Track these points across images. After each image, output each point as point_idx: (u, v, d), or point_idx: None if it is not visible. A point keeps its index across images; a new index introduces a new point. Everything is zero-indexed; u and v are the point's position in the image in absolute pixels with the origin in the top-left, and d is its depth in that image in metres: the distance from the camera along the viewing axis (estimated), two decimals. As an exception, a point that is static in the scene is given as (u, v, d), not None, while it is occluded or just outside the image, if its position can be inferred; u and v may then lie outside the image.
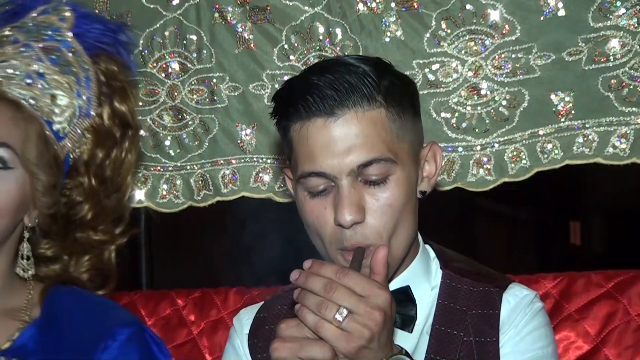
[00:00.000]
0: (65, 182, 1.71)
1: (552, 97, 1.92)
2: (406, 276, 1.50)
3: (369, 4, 1.98)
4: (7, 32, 1.70)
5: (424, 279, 1.52)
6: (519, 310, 1.46)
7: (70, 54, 1.71)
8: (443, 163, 1.86)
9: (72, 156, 1.71)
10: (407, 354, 1.27)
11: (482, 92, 1.95)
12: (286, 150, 1.49)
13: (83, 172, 1.74)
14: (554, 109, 1.92)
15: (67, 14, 1.74)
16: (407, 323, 1.47)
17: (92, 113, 1.73)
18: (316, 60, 1.98)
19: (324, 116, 1.37)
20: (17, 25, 1.72)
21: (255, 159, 2.10)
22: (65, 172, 1.70)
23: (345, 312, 1.20)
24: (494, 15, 1.92)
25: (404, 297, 1.46)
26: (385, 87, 1.39)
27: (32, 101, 1.63)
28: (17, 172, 1.58)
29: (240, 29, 2.07)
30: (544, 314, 1.49)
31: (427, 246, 1.57)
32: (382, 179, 1.38)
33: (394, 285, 1.48)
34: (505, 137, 1.95)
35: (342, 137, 1.36)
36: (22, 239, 1.65)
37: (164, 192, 2.15)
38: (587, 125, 1.91)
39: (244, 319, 1.63)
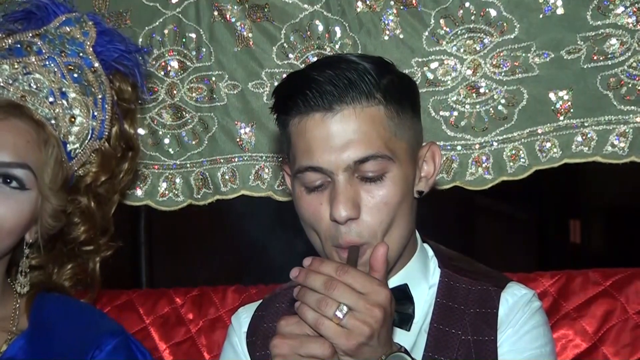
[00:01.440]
0: None
1: (551, 95, 1.92)
2: (404, 275, 1.50)
3: (368, 2, 1.98)
4: (30, 39, 1.68)
5: (422, 277, 1.52)
6: (517, 309, 1.46)
7: (91, 73, 1.70)
8: (442, 162, 1.86)
9: (75, 175, 1.71)
10: (406, 351, 1.27)
11: (481, 90, 1.95)
12: (285, 145, 1.49)
13: (82, 192, 1.73)
14: (552, 108, 1.92)
15: (90, 28, 1.73)
16: (405, 321, 1.46)
17: (104, 135, 1.73)
18: (315, 59, 1.98)
19: (323, 111, 1.37)
20: (39, 32, 1.70)
21: (254, 157, 2.09)
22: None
23: (345, 309, 1.20)
24: (493, 14, 1.91)
25: (402, 295, 1.46)
26: (384, 85, 1.39)
27: (53, 121, 1.63)
28: (32, 193, 1.57)
29: (239, 27, 2.06)
30: (542, 313, 1.49)
31: (426, 245, 1.57)
32: (379, 175, 1.38)
33: (392, 283, 1.47)
34: (504, 136, 1.94)
35: (340, 133, 1.36)
36: (16, 252, 1.64)
37: (164, 191, 2.15)
38: (586, 124, 1.90)
39: (242, 317, 1.63)
